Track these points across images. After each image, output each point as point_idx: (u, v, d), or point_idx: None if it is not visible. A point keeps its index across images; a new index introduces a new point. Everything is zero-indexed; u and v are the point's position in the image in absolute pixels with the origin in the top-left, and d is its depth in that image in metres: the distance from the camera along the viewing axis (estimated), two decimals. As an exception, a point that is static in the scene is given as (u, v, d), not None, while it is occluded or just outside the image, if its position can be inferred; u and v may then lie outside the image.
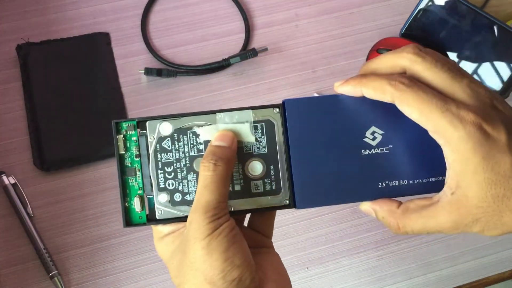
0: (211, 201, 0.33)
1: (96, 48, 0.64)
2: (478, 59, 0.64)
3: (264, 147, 0.36)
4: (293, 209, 0.63)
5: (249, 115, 0.36)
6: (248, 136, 0.36)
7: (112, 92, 0.63)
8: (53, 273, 0.55)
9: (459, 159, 0.31)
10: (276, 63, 0.66)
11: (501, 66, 0.63)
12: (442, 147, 0.32)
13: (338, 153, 0.36)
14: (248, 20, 0.68)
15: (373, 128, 0.36)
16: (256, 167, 0.36)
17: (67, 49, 0.64)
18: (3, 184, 0.58)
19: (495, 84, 0.64)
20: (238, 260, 0.33)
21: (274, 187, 0.36)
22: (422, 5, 0.65)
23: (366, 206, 0.37)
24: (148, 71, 0.64)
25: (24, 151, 0.60)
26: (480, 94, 0.32)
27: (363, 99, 0.35)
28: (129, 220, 0.36)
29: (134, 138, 0.36)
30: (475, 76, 0.64)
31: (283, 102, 0.36)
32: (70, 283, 0.56)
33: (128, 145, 0.36)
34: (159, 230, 0.36)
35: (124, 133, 0.36)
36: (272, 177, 0.36)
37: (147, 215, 0.36)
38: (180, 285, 0.34)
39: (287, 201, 0.36)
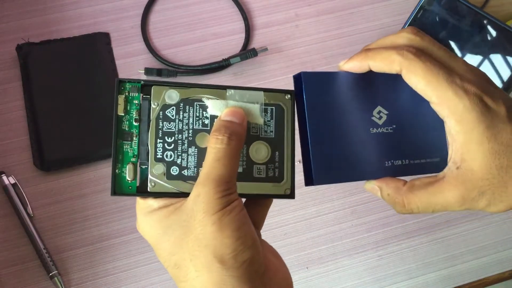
0: (223, 175, 0.31)
1: (96, 48, 0.64)
2: (478, 59, 0.64)
3: (271, 131, 0.35)
4: (293, 209, 0.63)
5: (261, 96, 0.35)
6: (257, 117, 0.35)
7: (112, 92, 0.62)
8: (53, 273, 0.55)
9: (464, 130, 0.32)
10: (276, 63, 0.66)
11: (501, 66, 0.63)
12: (445, 119, 0.33)
13: (350, 130, 0.36)
14: (248, 20, 0.68)
15: (379, 108, 0.37)
16: (262, 151, 0.35)
17: (67, 49, 0.64)
18: (3, 184, 0.58)
19: (495, 84, 0.64)
20: (250, 241, 0.31)
21: (276, 174, 0.35)
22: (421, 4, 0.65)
23: (371, 185, 0.37)
24: (148, 71, 0.64)
25: (24, 151, 0.60)
26: (477, 72, 0.34)
27: (371, 78, 0.35)
28: (117, 189, 0.33)
29: (136, 102, 0.34)
30: (475, 76, 0.64)
31: (300, 74, 0.36)
32: (70, 283, 0.56)
33: (128, 108, 0.34)
34: (149, 203, 0.33)
35: (126, 94, 0.34)
36: (276, 163, 0.35)
37: (137, 186, 0.33)
38: (180, 263, 0.31)
39: (288, 191, 0.35)
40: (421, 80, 0.32)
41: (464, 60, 0.34)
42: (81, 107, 0.61)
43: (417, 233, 0.61)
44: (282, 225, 0.60)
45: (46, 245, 0.56)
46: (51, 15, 0.66)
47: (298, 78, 0.36)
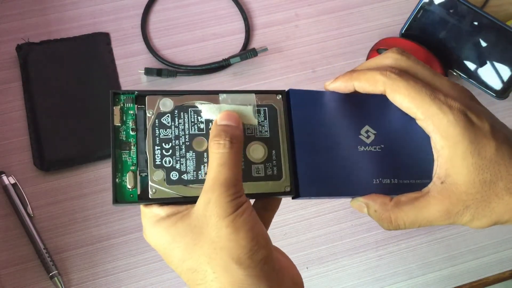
0: (230, 179, 0.32)
1: (96, 48, 0.64)
2: (478, 59, 0.64)
3: (266, 131, 0.36)
4: (293, 209, 0.63)
5: (253, 98, 0.36)
6: (251, 119, 0.36)
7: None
8: (53, 273, 0.55)
9: (448, 145, 0.33)
10: (276, 63, 0.66)
11: (501, 66, 0.63)
12: (430, 134, 0.33)
13: (337, 146, 0.37)
14: (248, 20, 0.68)
15: (367, 127, 0.37)
16: (258, 150, 0.35)
17: (67, 49, 0.64)
18: (3, 184, 0.58)
19: (495, 84, 0.64)
20: (263, 241, 0.32)
21: (275, 172, 0.35)
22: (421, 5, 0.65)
23: (358, 202, 0.37)
24: (148, 71, 0.64)
25: (24, 151, 0.60)
26: (460, 89, 0.35)
27: (360, 98, 0.36)
28: (119, 197, 0.33)
29: (131, 112, 0.34)
30: (475, 76, 0.64)
31: (288, 91, 0.37)
32: (70, 283, 0.56)
33: (124, 118, 0.34)
34: (155, 212, 0.34)
35: (122, 105, 0.34)
36: (274, 162, 0.35)
37: (138, 194, 0.33)
38: (196, 266, 0.32)
39: (288, 188, 0.35)
40: (405, 98, 0.33)
41: (448, 79, 0.35)
42: (81, 107, 0.61)
43: (417, 233, 0.61)
44: (282, 225, 0.60)
45: (46, 245, 0.56)
46: (51, 15, 0.66)
47: (287, 95, 0.37)
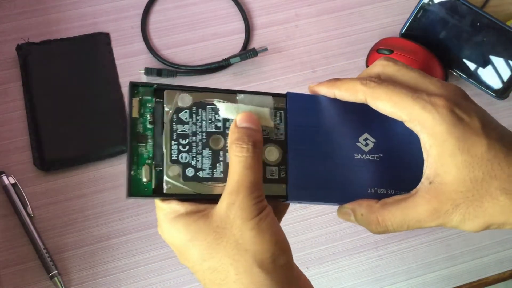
0: (255, 182, 0.32)
1: (96, 48, 0.64)
2: (478, 59, 0.64)
3: (281, 134, 0.36)
4: (293, 209, 0.63)
5: (270, 101, 0.36)
6: (268, 121, 0.36)
7: (112, 92, 0.63)
8: (53, 273, 0.55)
9: (436, 143, 0.32)
10: (276, 63, 0.66)
11: (501, 66, 0.63)
12: (419, 134, 0.33)
13: (333, 152, 0.36)
14: (248, 20, 0.68)
15: (366, 135, 0.37)
16: (273, 153, 0.35)
17: (67, 49, 0.64)
18: (3, 184, 0.57)
19: (495, 84, 0.64)
20: (285, 246, 0.32)
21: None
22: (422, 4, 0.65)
23: (343, 210, 0.36)
24: (148, 71, 0.64)
25: (24, 151, 0.60)
26: (450, 87, 0.34)
27: (361, 106, 0.36)
28: (133, 190, 0.33)
29: (149, 105, 0.34)
30: (475, 76, 0.64)
31: (286, 94, 0.37)
32: (70, 283, 0.56)
33: (142, 111, 0.34)
34: (174, 208, 0.33)
35: (140, 97, 0.34)
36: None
37: (153, 188, 0.33)
38: (218, 266, 0.32)
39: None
40: (387, 103, 0.33)
41: (439, 79, 0.34)
42: (81, 107, 0.61)
43: (417, 233, 0.61)
44: (282, 225, 0.60)
45: (46, 245, 0.56)
46: (51, 15, 0.66)
47: (285, 98, 0.37)
